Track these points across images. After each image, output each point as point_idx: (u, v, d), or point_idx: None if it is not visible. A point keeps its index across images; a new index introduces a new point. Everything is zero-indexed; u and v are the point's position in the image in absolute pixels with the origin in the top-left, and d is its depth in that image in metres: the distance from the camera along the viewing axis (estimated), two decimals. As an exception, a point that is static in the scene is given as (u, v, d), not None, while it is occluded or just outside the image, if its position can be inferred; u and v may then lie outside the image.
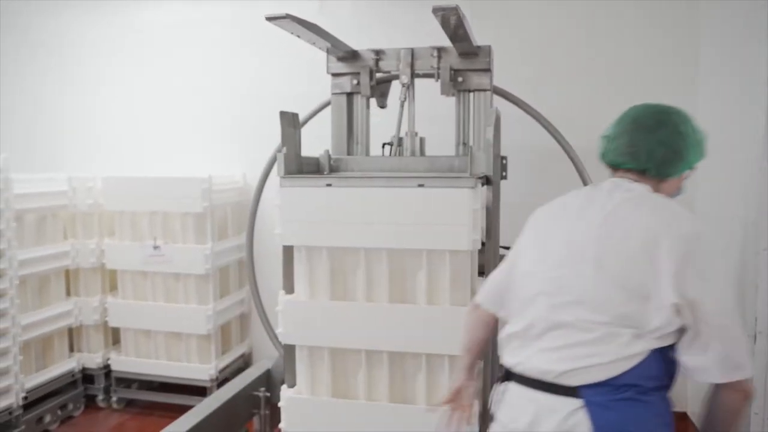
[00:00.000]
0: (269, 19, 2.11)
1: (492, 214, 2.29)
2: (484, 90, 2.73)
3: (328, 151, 2.66)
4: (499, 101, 3.05)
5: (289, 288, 2.36)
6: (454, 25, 2.17)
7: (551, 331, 1.57)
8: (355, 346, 2.23)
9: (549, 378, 1.54)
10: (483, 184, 2.27)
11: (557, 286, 1.58)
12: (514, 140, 3.81)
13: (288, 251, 2.34)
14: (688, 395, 4.13)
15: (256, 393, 3.28)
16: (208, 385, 3.95)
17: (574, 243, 1.60)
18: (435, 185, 2.10)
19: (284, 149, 2.29)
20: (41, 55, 4.99)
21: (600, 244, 1.55)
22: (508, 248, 3.02)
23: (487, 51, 2.68)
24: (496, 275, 1.84)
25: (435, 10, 1.99)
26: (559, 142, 2.93)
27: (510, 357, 1.66)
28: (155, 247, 3.93)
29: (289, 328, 2.28)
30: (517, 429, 1.58)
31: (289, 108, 3.31)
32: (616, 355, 1.48)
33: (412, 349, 2.17)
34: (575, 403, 1.49)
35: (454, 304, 2.14)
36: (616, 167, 1.76)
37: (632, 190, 1.66)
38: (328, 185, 2.20)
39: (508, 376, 1.66)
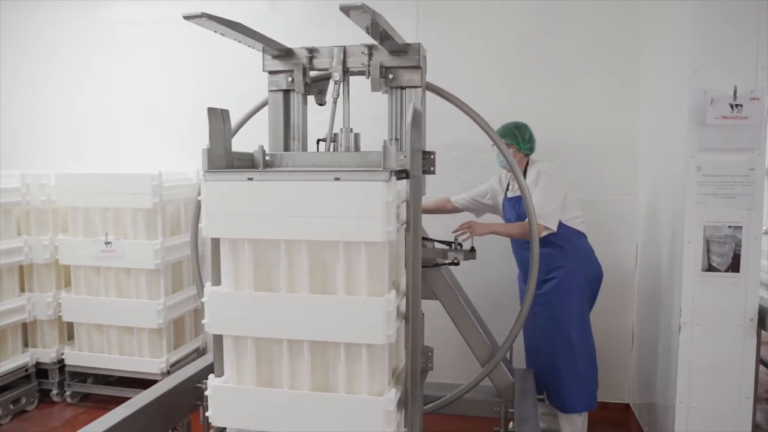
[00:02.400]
0: (186, 17, 2.16)
1: (412, 207, 2.35)
2: (416, 87, 2.79)
3: (262, 146, 2.72)
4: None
5: (216, 280, 2.41)
6: (367, 22, 2.23)
7: None
8: (276, 336, 2.28)
9: None
10: (403, 178, 2.33)
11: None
12: (451, 136, 3.91)
13: (215, 244, 2.39)
14: (631, 387, 4.24)
15: (199, 385, 3.33)
16: (159, 378, 3.99)
17: None
18: (350, 178, 2.15)
19: (208, 144, 2.34)
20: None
21: None
22: (432, 240, 3.12)
23: (416, 48, 2.73)
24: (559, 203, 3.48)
25: (342, 9, 2.05)
26: (491, 138, 2.99)
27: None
28: (107, 243, 3.98)
29: (214, 318, 2.34)
30: None
31: (244, 104, 3.38)
32: None
33: (330, 338, 2.23)
34: None
35: (371, 294, 2.19)
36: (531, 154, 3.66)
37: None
38: (250, 179, 2.25)
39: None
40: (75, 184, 4.06)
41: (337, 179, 2.17)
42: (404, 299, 2.33)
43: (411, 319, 2.33)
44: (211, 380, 2.40)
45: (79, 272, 4.15)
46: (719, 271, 2.96)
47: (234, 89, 4.18)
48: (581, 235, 3.62)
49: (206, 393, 2.41)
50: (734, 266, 2.95)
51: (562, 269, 3.50)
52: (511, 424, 3.16)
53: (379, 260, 2.20)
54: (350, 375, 2.26)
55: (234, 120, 3.28)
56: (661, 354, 3.41)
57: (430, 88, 2.98)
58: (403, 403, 2.34)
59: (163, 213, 4.04)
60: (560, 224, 3.45)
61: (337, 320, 2.20)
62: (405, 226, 2.33)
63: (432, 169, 2.74)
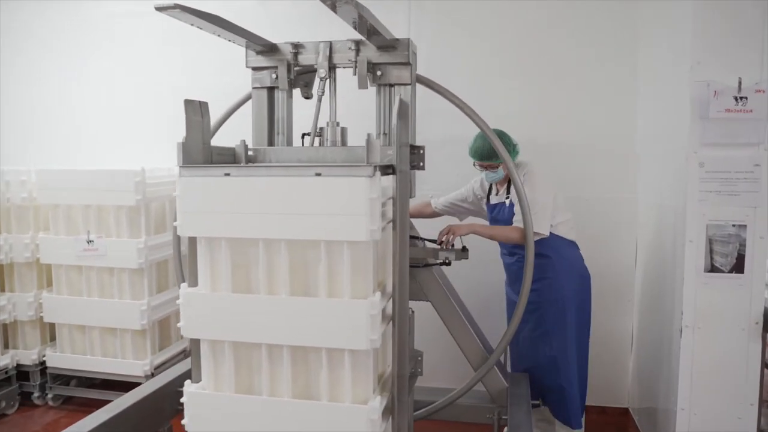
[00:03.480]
0: (158, 9, 2.05)
1: (398, 204, 2.23)
2: (405, 84, 2.67)
3: (244, 141, 2.60)
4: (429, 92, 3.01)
5: (193, 281, 2.29)
6: (353, 16, 2.12)
7: None
8: (255, 340, 2.16)
9: None
10: (389, 174, 2.21)
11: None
12: (444, 133, 3.80)
13: (193, 243, 2.27)
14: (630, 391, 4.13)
15: (181, 389, 3.21)
16: (143, 381, 3.86)
17: None
18: (332, 174, 2.04)
19: (183, 138, 2.22)
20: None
21: None
22: (423, 239, 3.01)
23: (405, 44, 2.61)
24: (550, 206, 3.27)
25: (326, 1, 1.92)
26: (484, 131, 2.87)
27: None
28: (89, 241, 3.86)
29: (190, 321, 2.22)
30: None
31: (232, 99, 3.27)
32: None
33: (311, 343, 2.11)
34: None
35: (354, 296, 2.08)
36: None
37: None
38: (227, 174, 2.13)
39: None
40: (56, 180, 3.94)
41: (318, 175, 2.05)
42: (391, 301, 2.22)
43: (398, 323, 2.22)
44: (188, 387, 2.29)
45: (60, 271, 4.03)
46: (722, 271, 2.84)
47: (221, 84, 4.05)
48: (570, 244, 3.41)
49: (181, 399, 2.29)
50: (738, 267, 2.83)
51: (545, 280, 3.28)
52: (504, 430, 3.05)
53: (363, 260, 2.09)
54: (333, 381, 2.15)
55: (220, 116, 3.20)
56: (661, 358, 3.29)
57: (421, 80, 2.86)
58: (389, 411, 2.23)
59: (147, 210, 3.91)
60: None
61: (318, 324, 2.09)
62: (391, 224, 2.22)
63: (421, 164, 2.62)
